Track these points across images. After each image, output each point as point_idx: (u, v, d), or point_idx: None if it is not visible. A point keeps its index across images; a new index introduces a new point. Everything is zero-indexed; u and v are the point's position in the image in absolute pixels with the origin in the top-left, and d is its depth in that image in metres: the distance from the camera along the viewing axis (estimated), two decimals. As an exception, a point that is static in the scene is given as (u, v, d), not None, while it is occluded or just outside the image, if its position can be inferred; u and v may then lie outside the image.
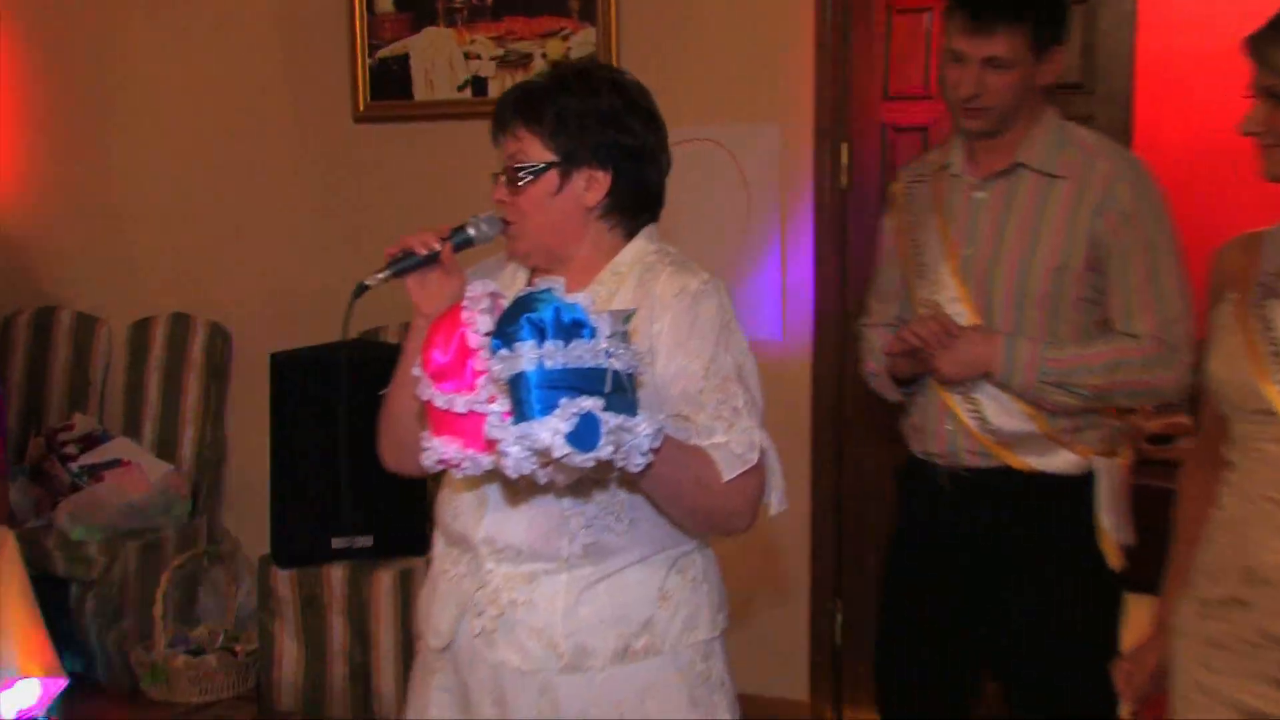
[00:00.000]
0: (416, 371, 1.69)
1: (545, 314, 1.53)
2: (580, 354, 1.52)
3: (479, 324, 1.63)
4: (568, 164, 1.85)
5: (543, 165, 1.85)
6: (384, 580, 3.66)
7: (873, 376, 2.69)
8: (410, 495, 3.73)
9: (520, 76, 3.92)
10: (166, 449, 4.35)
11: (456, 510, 1.87)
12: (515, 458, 1.52)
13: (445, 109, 4.02)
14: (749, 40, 3.74)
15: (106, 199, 4.56)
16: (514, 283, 1.96)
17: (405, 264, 1.87)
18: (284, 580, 3.70)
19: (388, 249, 1.84)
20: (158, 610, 3.89)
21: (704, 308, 1.83)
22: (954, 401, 2.47)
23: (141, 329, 4.50)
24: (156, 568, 4.03)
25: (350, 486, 3.65)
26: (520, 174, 1.85)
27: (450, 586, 1.88)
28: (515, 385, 1.52)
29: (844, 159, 3.75)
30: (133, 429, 4.41)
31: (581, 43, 3.86)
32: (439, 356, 1.64)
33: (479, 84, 3.99)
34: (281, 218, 4.29)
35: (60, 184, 4.62)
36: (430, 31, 4.00)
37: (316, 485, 3.65)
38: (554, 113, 1.85)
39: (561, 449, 1.49)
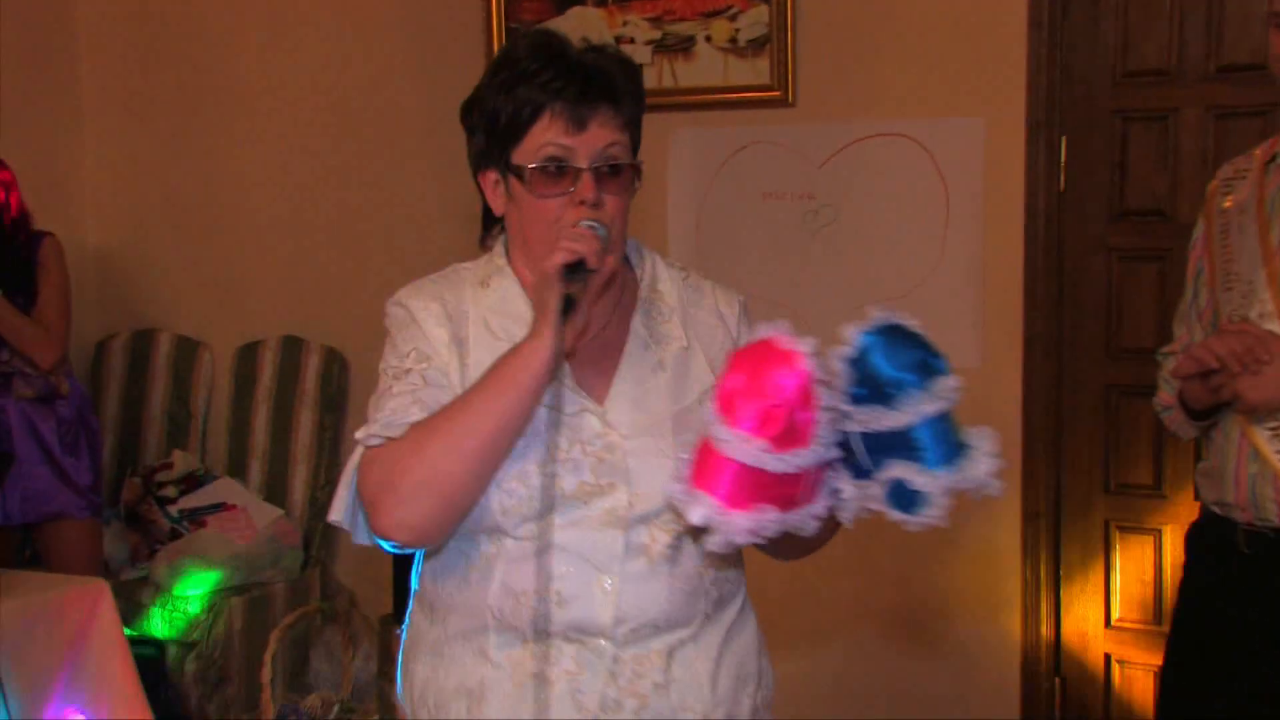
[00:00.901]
0: (735, 433, 1.53)
1: (931, 355, 1.54)
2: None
3: (833, 374, 1.54)
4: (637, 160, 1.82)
5: (635, 161, 1.80)
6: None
7: (1164, 410, 2.48)
8: None
9: (681, 64, 3.80)
10: (276, 491, 4.32)
11: (564, 597, 1.72)
12: (935, 511, 1.54)
13: (593, 102, 3.89)
14: (948, 19, 3.59)
15: (211, 210, 4.54)
16: (508, 305, 1.80)
17: (583, 275, 1.68)
18: (410, 644, 3.58)
19: (559, 257, 1.64)
20: (265, 675, 3.80)
21: (754, 320, 1.89)
22: (1260, 438, 2.24)
23: (248, 355, 4.46)
24: (264, 627, 3.96)
25: None
26: (621, 170, 1.77)
27: (564, 689, 1.73)
28: (924, 430, 1.52)
29: (1062, 156, 3.57)
30: (238, 468, 4.40)
31: (752, 22, 3.70)
32: (770, 411, 1.52)
33: (632, 73, 3.85)
34: (408, 228, 4.21)
35: (160, 194, 4.62)
36: (577, 11, 3.89)
37: None
38: (629, 96, 1.78)
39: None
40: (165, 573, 3.98)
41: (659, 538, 1.74)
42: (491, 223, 1.90)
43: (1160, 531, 3.51)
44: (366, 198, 4.28)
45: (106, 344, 4.64)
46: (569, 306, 1.66)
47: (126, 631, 3.00)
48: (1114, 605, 3.60)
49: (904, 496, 1.54)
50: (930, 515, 1.55)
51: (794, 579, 3.82)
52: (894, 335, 1.53)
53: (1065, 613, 3.65)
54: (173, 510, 4.18)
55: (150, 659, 3.64)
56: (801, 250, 3.77)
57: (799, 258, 3.77)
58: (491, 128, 1.76)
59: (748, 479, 1.53)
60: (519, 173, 1.74)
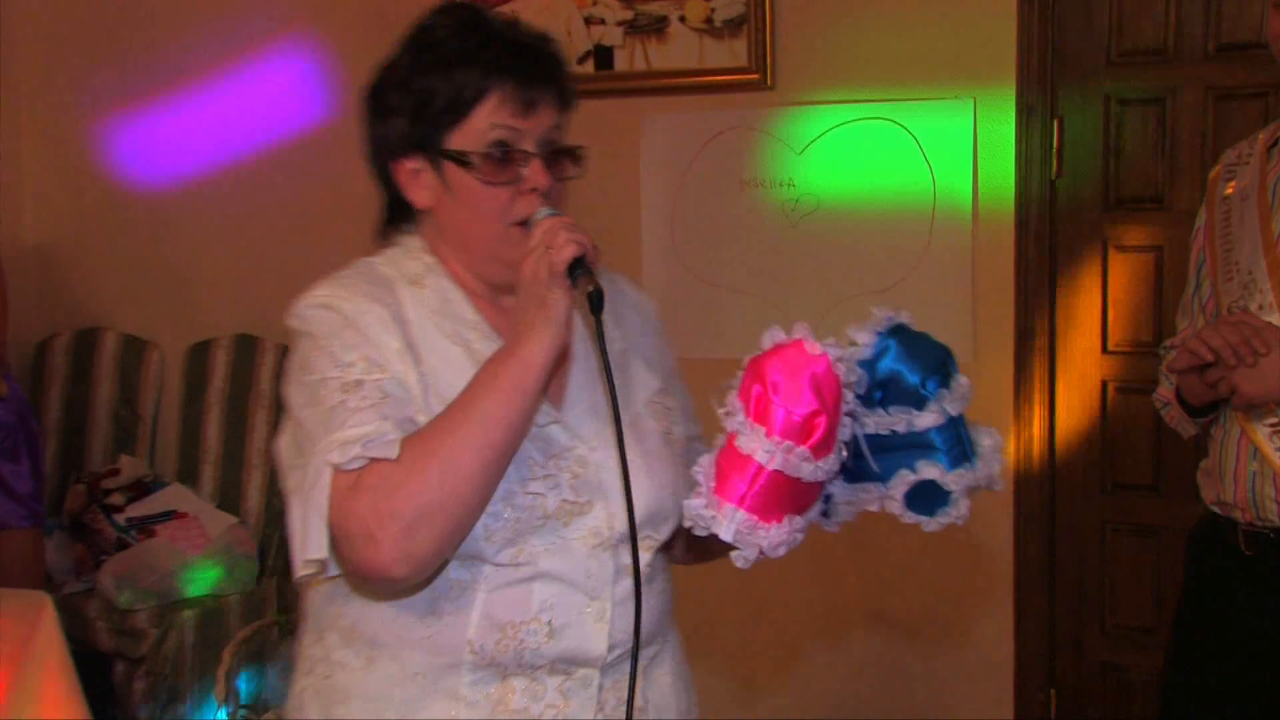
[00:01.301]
0: (776, 441, 1.52)
1: (947, 355, 1.60)
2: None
3: (854, 378, 1.56)
4: None
5: (580, 146, 1.75)
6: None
7: (1164, 406, 2.48)
8: None
9: (654, 46, 3.77)
10: (229, 498, 4.27)
11: (555, 627, 1.66)
12: (959, 510, 1.61)
13: (563, 86, 3.86)
14: (935, -1, 3.57)
15: (155, 203, 4.48)
16: (451, 308, 1.72)
17: (586, 270, 1.62)
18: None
19: (570, 250, 1.58)
20: (219, 692, 3.77)
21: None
22: (1260, 436, 2.23)
23: (199, 354, 4.43)
24: (218, 641, 3.92)
25: None
26: (575, 156, 1.74)
27: None
28: (952, 433, 1.58)
29: (1055, 141, 3.55)
30: (189, 474, 4.36)
31: (729, 1, 3.67)
32: (813, 419, 1.52)
33: (604, 55, 3.84)
34: (364, 221, 4.14)
35: (103, 187, 4.56)
36: (546, -8, 3.86)
37: None
38: (567, 76, 1.76)
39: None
40: (112, 585, 3.91)
41: (642, 557, 1.69)
42: (398, 216, 1.79)
43: (1159, 532, 3.50)
44: (321, 190, 4.23)
45: (48, 344, 4.57)
46: (599, 301, 1.60)
47: (70, 647, 2.91)
48: (1110, 610, 3.60)
49: (924, 498, 1.58)
50: (954, 515, 1.60)
51: (775, 585, 3.80)
52: (907, 336, 1.57)
53: (1059, 618, 3.64)
54: (120, 519, 4.12)
55: (96, 676, 3.59)
56: (781, 241, 3.74)
57: (779, 249, 3.75)
58: (422, 111, 1.68)
59: (781, 489, 1.53)
60: (462, 159, 1.67)
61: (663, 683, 1.78)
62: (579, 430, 1.69)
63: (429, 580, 1.63)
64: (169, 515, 4.11)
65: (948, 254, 3.59)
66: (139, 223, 4.51)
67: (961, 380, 1.60)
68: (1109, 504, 3.59)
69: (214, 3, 4.32)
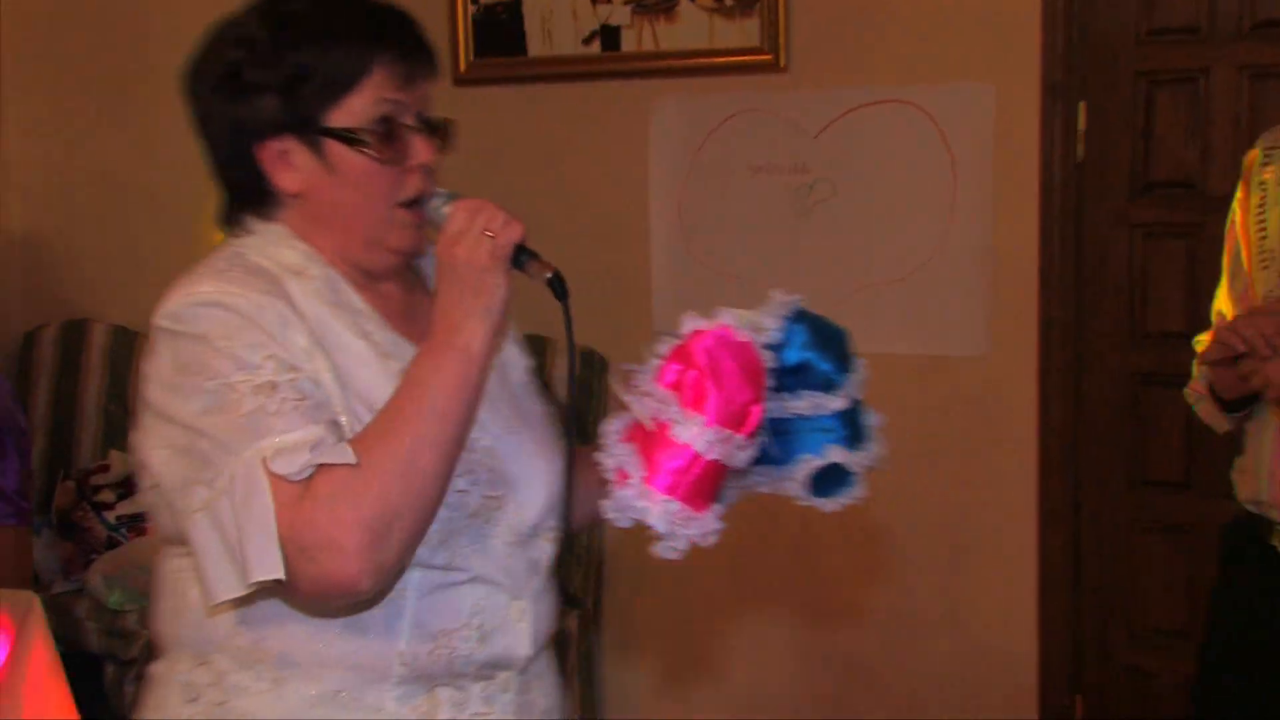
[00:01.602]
0: (716, 430, 1.53)
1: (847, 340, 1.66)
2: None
3: (773, 364, 1.60)
4: None
5: (452, 120, 1.73)
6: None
7: (1196, 400, 2.46)
8: None
9: (663, 26, 3.73)
10: None
11: (485, 632, 1.64)
12: (860, 490, 1.69)
13: (567, 67, 3.85)
14: (955, -25, 3.52)
15: (149, 188, 4.45)
16: (342, 298, 1.66)
17: (529, 253, 1.66)
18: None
19: (517, 233, 1.62)
20: (212, 697, 3.74)
21: None
22: None
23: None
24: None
25: None
26: (449, 130, 1.72)
27: None
28: (849, 416, 1.64)
29: (1081, 123, 3.51)
30: (180, 470, 4.29)
31: (741, -20, 3.64)
32: (750, 406, 1.56)
33: (610, 35, 3.80)
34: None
35: (92, 175, 4.53)
36: (552, -29, 3.83)
37: None
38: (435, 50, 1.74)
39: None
40: (102, 585, 3.89)
41: (546, 549, 1.71)
42: (246, 200, 1.68)
43: (1190, 531, 3.47)
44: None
45: (35, 336, 4.53)
46: (562, 285, 1.63)
47: (59, 649, 2.89)
48: (1138, 612, 3.56)
49: (825, 480, 1.66)
50: (855, 496, 1.68)
51: (789, 585, 3.78)
52: (812, 321, 1.63)
53: (1085, 620, 3.61)
54: (110, 516, 4.10)
55: (85, 678, 3.57)
56: (794, 228, 3.71)
57: (791, 236, 3.71)
58: (296, 88, 1.60)
59: (713, 478, 1.55)
60: (350, 137, 1.60)
61: (548, 675, 1.77)
62: (479, 418, 1.64)
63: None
64: (160, 513, 4.11)
65: (967, 241, 3.56)
66: (128, 212, 4.48)
67: (860, 363, 1.66)
68: (1137, 501, 3.55)
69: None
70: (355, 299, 1.65)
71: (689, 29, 3.72)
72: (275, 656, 1.58)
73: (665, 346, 1.58)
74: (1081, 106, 3.50)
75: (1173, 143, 3.45)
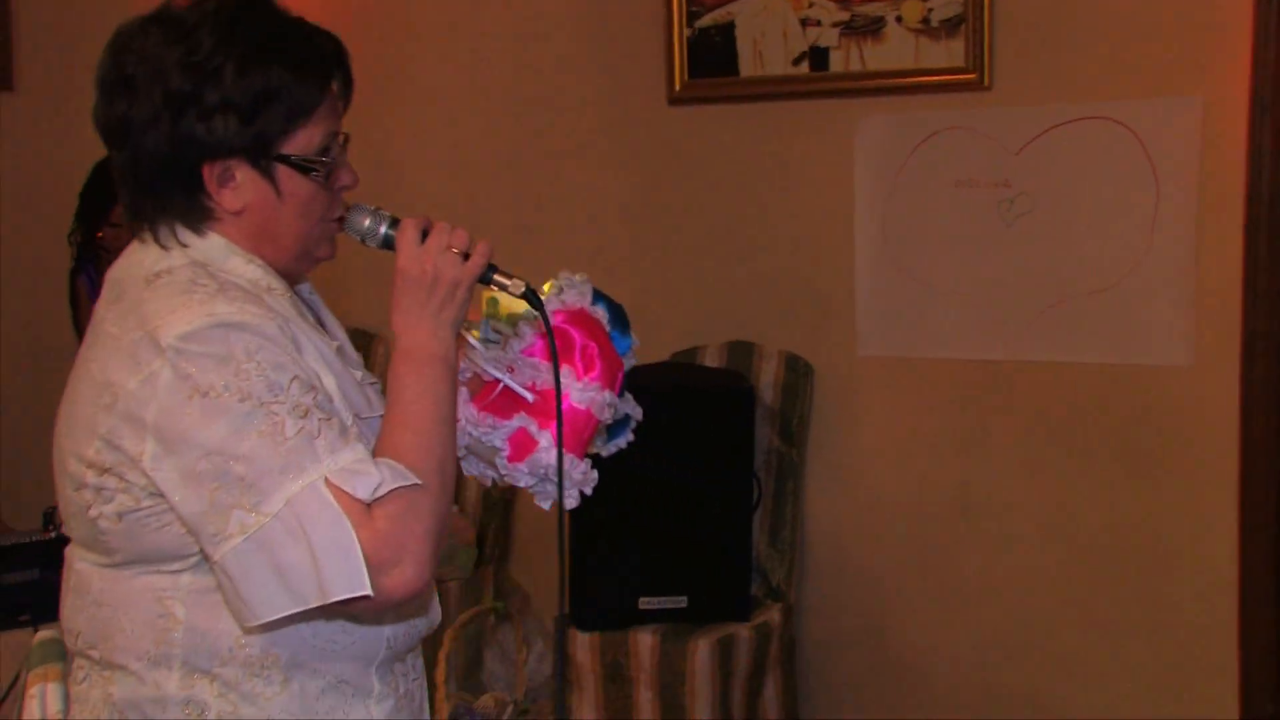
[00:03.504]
0: (607, 393, 1.72)
1: None
2: None
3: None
4: None
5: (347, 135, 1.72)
6: (701, 649, 3.50)
7: None
8: (734, 549, 3.63)
9: (869, 47, 3.71)
10: None
11: (423, 606, 1.72)
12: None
13: (778, 86, 3.83)
14: (1161, -12, 3.41)
15: (383, 196, 4.55)
16: (296, 307, 1.66)
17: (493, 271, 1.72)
18: (584, 645, 3.61)
19: (485, 252, 1.68)
20: (440, 674, 3.83)
21: None
22: None
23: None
24: (439, 625, 3.99)
25: (662, 536, 3.58)
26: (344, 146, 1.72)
27: (418, 701, 1.77)
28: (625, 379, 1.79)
29: None
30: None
31: (946, 2, 3.58)
32: (617, 369, 1.77)
33: (819, 56, 3.77)
34: (582, 218, 4.19)
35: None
36: (762, -2, 3.83)
37: (622, 534, 3.57)
38: None
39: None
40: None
41: None
42: (172, 212, 1.60)
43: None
44: (536, 184, 4.24)
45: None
46: (536, 296, 1.68)
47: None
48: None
49: (612, 430, 1.81)
50: (628, 441, 1.84)
51: (984, 583, 3.70)
52: (604, 298, 1.78)
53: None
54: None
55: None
56: (996, 242, 3.64)
57: (993, 250, 3.64)
58: (257, 114, 1.56)
59: (589, 434, 1.74)
60: (302, 166, 1.60)
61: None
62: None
63: None
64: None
65: (1170, 253, 3.44)
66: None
67: (634, 337, 1.81)
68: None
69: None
70: (311, 319, 1.69)
71: (895, 50, 3.68)
72: (284, 659, 1.59)
73: (525, 325, 1.72)
74: (1290, 121, 3.35)
75: (1383, 156, 3.28)
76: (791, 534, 3.82)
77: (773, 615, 3.68)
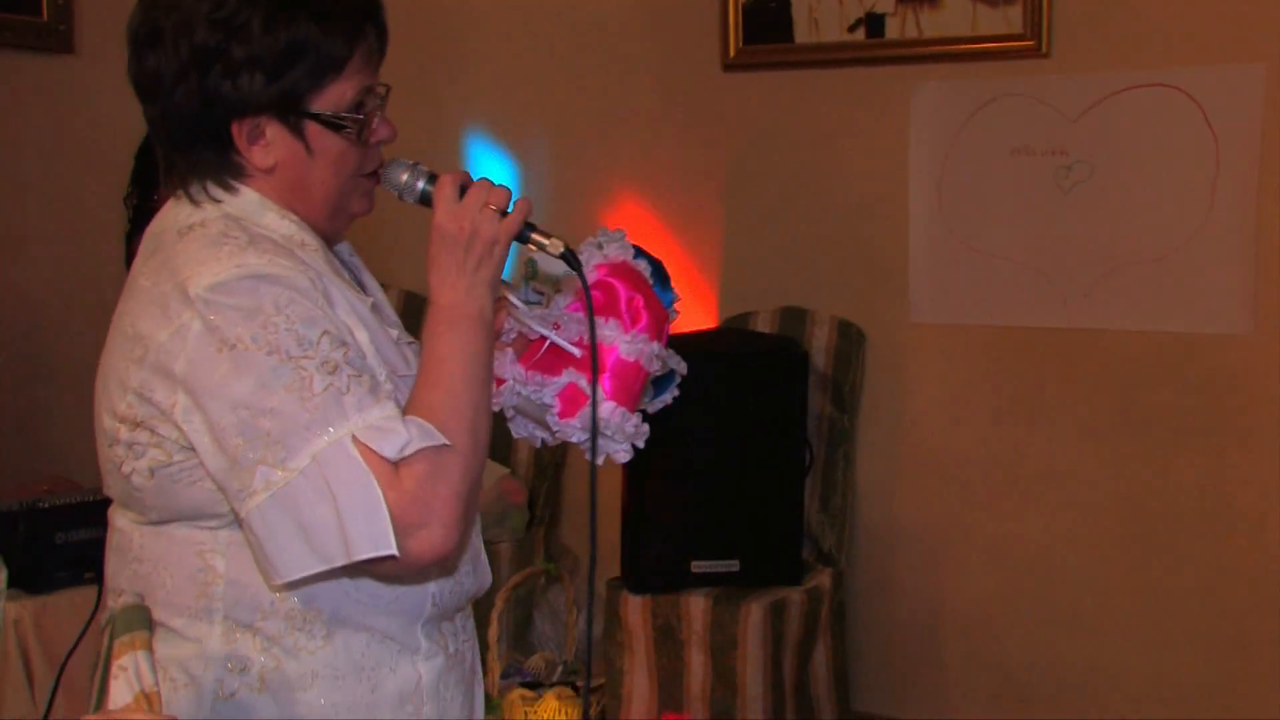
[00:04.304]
0: (643, 340, 1.66)
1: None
2: None
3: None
4: None
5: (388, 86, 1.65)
6: (753, 613, 3.47)
7: None
8: (785, 514, 3.61)
9: (926, 14, 3.64)
10: (500, 448, 4.25)
11: (473, 563, 1.68)
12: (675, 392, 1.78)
13: (833, 53, 3.78)
14: (1225, -47, 3.32)
15: (438, 160, 4.53)
16: (330, 262, 1.60)
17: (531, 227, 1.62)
18: (635, 608, 3.59)
19: (523, 210, 1.58)
20: (492, 634, 3.82)
21: None
22: None
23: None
24: (491, 586, 3.99)
25: (714, 500, 3.55)
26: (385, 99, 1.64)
27: (469, 664, 1.71)
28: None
29: None
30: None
31: (1005, -33, 3.51)
32: (660, 318, 1.70)
33: (875, 23, 3.71)
34: (635, 182, 4.17)
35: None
36: (819, -38, 3.77)
37: (675, 498, 3.54)
38: None
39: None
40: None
41: None
42: (205, 170, 1.57)
43: None
44: (591, 150, 4.20)
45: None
46: (575, 257, 1.60)
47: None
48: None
49: (658, 385, 1.74)
50: (674, 395, 1.77)
51: (1038, 552, 3.66)
52: (647, 255, 1.72)
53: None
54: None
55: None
56: (1052, 209, 3.57)
57: (1049, 217, 3.58)
58: (285, 69, 1.51)
59: (639, 386, 1.67)
60: (333, 123, 1.55)
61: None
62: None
63: None
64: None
65: (1229, 224, 3.36)
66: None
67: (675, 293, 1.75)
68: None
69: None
70: (349, 277, 1.63)
71: (952, 16, 3.62)
72: (327, 614, 1.55)
73: (567, 282, 1.68)
74: (1355, 88, 3.26)
75: None
76: (843, 500, 3.79)
77: (823, 580, 3.65)
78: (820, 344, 3.79)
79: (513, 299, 1.66)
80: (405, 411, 1.48)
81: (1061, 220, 3.56)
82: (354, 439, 1.41)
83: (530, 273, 1.67)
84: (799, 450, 3.65)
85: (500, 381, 1.67)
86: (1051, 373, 3.61)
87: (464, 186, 1.56)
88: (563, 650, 4.06)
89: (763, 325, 3.86)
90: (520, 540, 4.17)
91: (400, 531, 1.41)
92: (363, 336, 1.53)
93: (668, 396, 1.76)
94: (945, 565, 3.79)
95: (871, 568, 3.87)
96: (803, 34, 3.82)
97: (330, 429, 1.41)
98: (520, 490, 4.21)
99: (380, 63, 1.61)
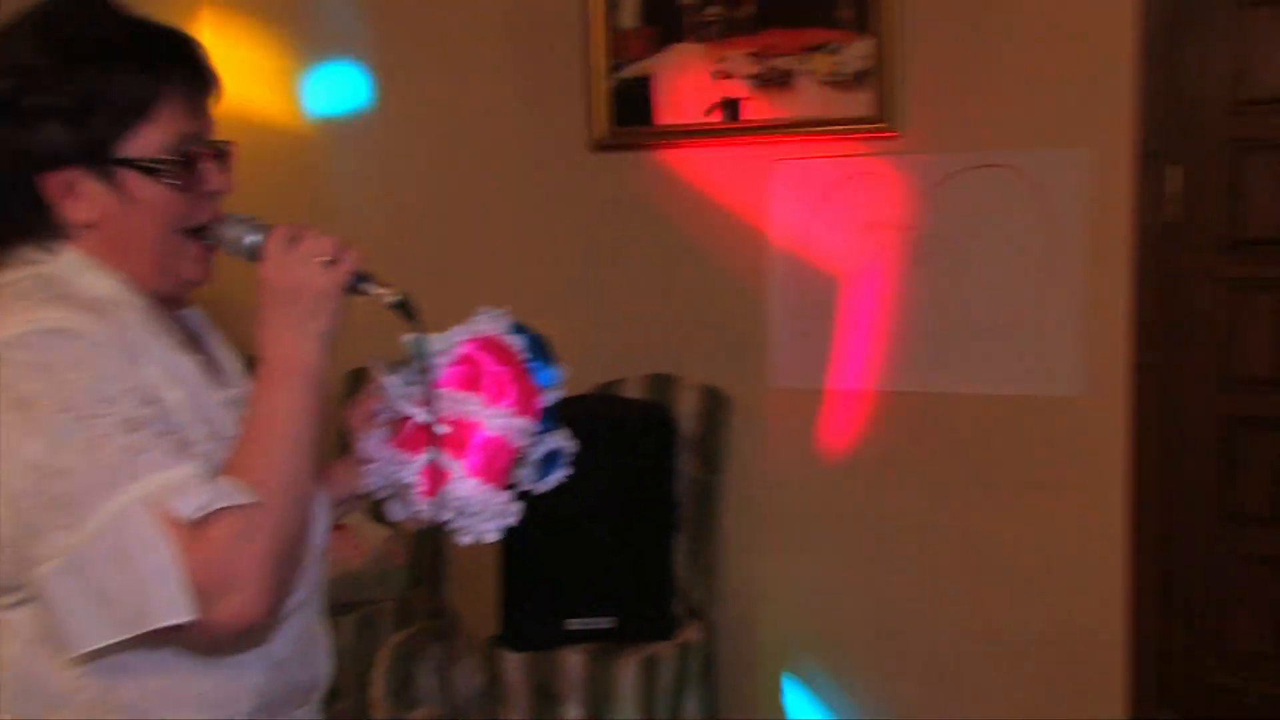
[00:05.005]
0: (524, 420, 1.60)
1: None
2: None
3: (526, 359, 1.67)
4: None
5: (231, 143, 1.57)
6: (627, 668, 3.51)
7: None
8: (657, 571, 3.66)
9: (780, 97, 3.78)
10: (381, 513, 4.28)
11: (307, 654, 1.57)
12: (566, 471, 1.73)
13: (693, 134, 3.90)
14: (1056, 50, 3.50)
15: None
16: (156, 323, 1.48)
17: (364, 280, 1.55)
18: (514, 665, 3.60)
19: (353, 263, 1.51)
20: (376, 691, 3.83)
21: None
22: None
23: (354, 379, 4.44)
24: (373, 644, 3.98)
25: (589, 560, 3.58)
26: (228, 154, 1.56)
27: None
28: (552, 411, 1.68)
29: (1172, 186, 3.47)
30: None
31: (854, 57, 3.66)
32: (528, 392, 1.66)
33: (731, 107, 3.85)
34: (507, 259, 4.22)
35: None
36: (678, 48, 3.87)
37: (551, 558, 3.56)
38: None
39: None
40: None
41: (323, 565, 1.68)
42: (22, 231, 1.46)
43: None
44: (463, 225, 4.26)
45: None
46: (410, 309, 1.52)
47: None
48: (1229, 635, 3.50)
49: (545, 464, 1.71)
50: (565, 475, 1.73)
51: (866, 615, 3.78)
52: (524, 329, 1.70)
53: (1174, 642, 3.56)
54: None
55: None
56: (903, 280, 3.72)
57: (901, 288, 3.72)
58: (85, 116, 1.41)
59: (506, 462, 1.61)
60: (150, 167, 1.44)
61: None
62: None
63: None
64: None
65: (1063, 294, 3.52)
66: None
67: (561, 367, 1.70)
68: (1227, 534, 3.51)
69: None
70: (170, 340, 1.49)
71: (806, 100, 3.73)
72: (127, 704, 1.40)
73: (433, 353, 1.58)
74: (1175, 171, 3.46)
75: (1264, 202, 3.40)
76: (710, 556, 3.87)
77: (693, 633, 3.72)
78: (688, 409, 3.88)
79: (386, 377, 1.60)
80: (224, 470, 1.38)
81: (912, 291, 3.71)
82: (149, 499, 1.31)
83: (416, 352, 1.64)
84: (670, 510, 3.73)
85: (370, 461, 1.62)
86: (903, 433, 3.74)
87: (294, 238, 1.48)
88: (445, 704, 4.06)
89: (633, 391, 3.94)
90: (402, 599, 4.17)
91: (202, 595, 1.30)
92: (177, 395, 1.42)
93: (560, 474, 1.71)
94: (807, 617, 3.89)
95: (738, 620, 3.96)
96: (665, 115, 3.93)
97: (124, 489, 1.30)
98: (399, 551, 4.20)
99: (210, 106, 1.52)
